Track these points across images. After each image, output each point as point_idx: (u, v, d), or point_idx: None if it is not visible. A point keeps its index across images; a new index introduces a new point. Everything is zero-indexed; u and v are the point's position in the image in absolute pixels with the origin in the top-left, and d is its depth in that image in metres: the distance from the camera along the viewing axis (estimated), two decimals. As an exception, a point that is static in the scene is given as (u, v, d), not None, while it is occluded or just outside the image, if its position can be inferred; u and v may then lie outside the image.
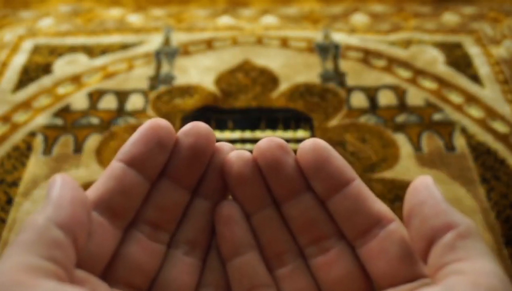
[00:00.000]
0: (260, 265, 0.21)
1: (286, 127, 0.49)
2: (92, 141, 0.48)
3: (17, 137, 0.48)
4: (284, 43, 0.59)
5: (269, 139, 0.21)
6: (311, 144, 0.20)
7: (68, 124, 0.50)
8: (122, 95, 0.53)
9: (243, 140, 0.48)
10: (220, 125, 0.49)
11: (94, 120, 0.50)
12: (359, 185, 0.20)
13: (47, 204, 0.17)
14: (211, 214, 0.22)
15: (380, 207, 0.20)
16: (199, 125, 0.21)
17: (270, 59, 0.57)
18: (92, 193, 0.20)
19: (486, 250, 0.17)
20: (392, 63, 0.56)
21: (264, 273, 0.21)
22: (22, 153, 0.47)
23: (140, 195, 0.20)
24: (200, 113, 0.51)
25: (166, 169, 0.21)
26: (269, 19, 0.64)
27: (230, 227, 0.21)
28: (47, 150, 0.47)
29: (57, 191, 0.17)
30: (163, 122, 0.20)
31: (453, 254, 0.17)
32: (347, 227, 0.20)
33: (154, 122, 0.20)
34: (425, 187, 0.19)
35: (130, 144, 0.20)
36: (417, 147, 0.47)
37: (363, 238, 0.20)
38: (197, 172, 0.21)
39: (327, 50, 0.58)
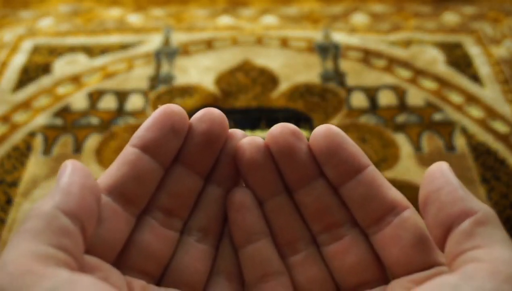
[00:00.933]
0: (272, 253, 0.21)
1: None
2: (92, 141, 0.48)
3: (17, 137, 0.48)
4: (284, 43, 0.59)
5: (282, 125, 0.21)
6: (324, 130, 0.20)
7: (68, 124, 0.50)
8: (122, 95, 0.53)
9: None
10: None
11: (94, 120, 0.50)
12: (373, 171, 0.20)
13: (56, 191, 0.17)
14: (224, 201, 0.21)
15: (395, 194, 0.20)
16: (212, 111, 0.21)
17: (270, 59, 0.57)
18: (105, 179, 0.19)
19: (505, 237, 0.16)
20: (392, 63, 0.56)
21: (277, 260, 0.21)
22: (22, 153, 0.47)
23: (154, 181, 0.20)
24: (200, 113, 0.51)
25: (180, 154, 0.20)
26: (269, 19, 0.64)
27: (243, 214, 0.21)
28: (47, 150, 0.47)
29: (66, 178, 0.17)
30: (176, 107, 0.20)
31: (471, 242, 0.16)
32: (360, 214, 0.20)
33: (168, 107, 0.20)
34: (441, 173, 0.18)
35: (144, 129, 0.20)
36: (417, 147, 0.47)
37: (376, 225, 0.20)
38: (211, 158, 0.21)
39: (327, 50, 0.58)
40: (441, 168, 0.19)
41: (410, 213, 0.19)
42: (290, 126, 0.21)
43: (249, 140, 0.21)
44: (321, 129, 0.20)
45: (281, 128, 0.20)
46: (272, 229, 0.21)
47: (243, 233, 0.21)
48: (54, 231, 0.16)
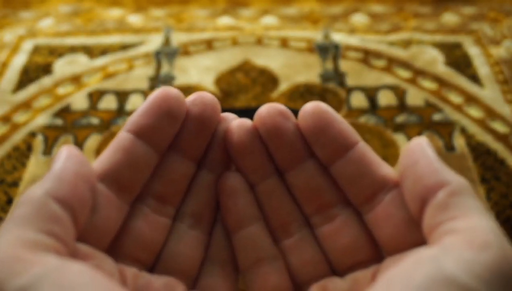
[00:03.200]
0: (265, 237, 0.20)
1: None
2: (92, 141, 0.48)
3: (17, 137, 0.48)
4: (284, 43, 0.60)
5: (269, 105, 0.20)
6: (311, 107, 0.20)
7: (68, 125, 0.50)
8: (122, 96, 0.53)
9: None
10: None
11: (94, 120, 0.50)
12: (362, 147, 0.20)
13: (48, 177, 0.16)
14: (216, 186, 0.21)
15: (386, 170, 0.20)
16: (204, 95, 0.20)
17: (270, 59, 0.57)
18: (99, 165, 0.19)
19: (479, 206, 0.16)
20: (392, 63, 0.56)
21: (270, 245, 0.20)
22: (22, 153, 0.47)
23: (148, 168, 0.19)
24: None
25: (173, 140, 0.20)
26: (269, 19, 0.64)
27: (234, 199, 0.20)
28: (47, 150, 0.47)
29: (60, 164, 0.17)
30: (173, 91, 0.19)
31: (446, 213, 0.16)
32: (352, 192, 0.20)
33: (164, 91, 0.19)
34: (419, 147, 0.18)
35: (139, 114, 0.19)
36: (417, 147, 0.47)
37: (369, 203, 0.19)
38: (203, 143, 0.20)
39: (327, 50, 0.58)
40: (419, 143, 0.18)
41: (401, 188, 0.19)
42: (278, 106, 0.20)
43: (237, 123, 0.20)
44: (308, 108, 0.20)
45: (268, 108, 0.20)
46: (264, 213, 0.21)
47: (235, 218, 0.20)
48: (44, 217, 0.15)
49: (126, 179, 0.19)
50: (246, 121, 0.20)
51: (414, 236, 0.18)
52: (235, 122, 0.20)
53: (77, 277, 0.14)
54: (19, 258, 0.14)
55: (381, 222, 0.19)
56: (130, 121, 0.19)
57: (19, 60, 0.57)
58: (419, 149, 0.18)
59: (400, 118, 0.50)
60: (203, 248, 0.21)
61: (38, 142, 0.48)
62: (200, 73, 0.55)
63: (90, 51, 0.59)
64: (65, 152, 0.17)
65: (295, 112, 0.21)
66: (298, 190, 0.21)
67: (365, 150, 0.20)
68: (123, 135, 0.19)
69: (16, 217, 0.15)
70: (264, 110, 0.20)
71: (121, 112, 0.51)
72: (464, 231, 0.15)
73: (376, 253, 0.20)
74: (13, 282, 0.13)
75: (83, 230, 0.17)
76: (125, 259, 0.19)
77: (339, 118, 0.20)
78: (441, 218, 0.16)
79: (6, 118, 0.50)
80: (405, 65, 0.56)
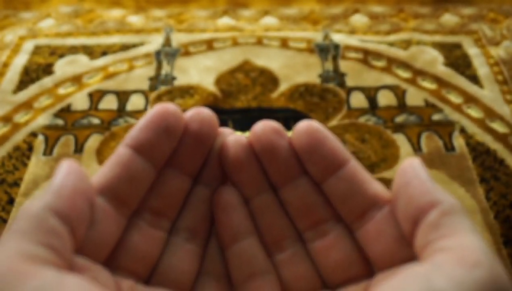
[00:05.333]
0: (259, 251, 0.21)
1: (286, 127, 0.49)
2: (93, 141, 0.48)
3: (18, 137, 0.48)
4: (284, 43, 0.60)
5: (264, 123, 0.20)
6: (304, 126, 0.20)
7: (68, 125, 0.50)
8: (122, 96, 0.53)
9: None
10: (220, 126, 0.49)
11: (95, 120, 0.50)
12: (354, 166, 0.20)
13: (47, 191, 0.17)
14: (211, 201, 0.21)
15: (376, 187, 0.20)
16: (202, 111, 0.20)
17: (270, 59, 0.57)
18: (98, 179, 0.19)
19: (470, 225, 0.16)
20: (392, 63, 0.57)
21: (264, 259, 0.21)
22: (23, 153, 0.47)
23: (146, 183, 0.20)
24: (201, 114, 0.51)
25: (170, 155, 0.20)
26: (269, 20, 0.64)
27: (228, 213, 0.21)
28: (48, 150, 0.47)
29: (59, 179, 0.17)
30: (171, 107, 0.20)
31: (437, 232, 0.16)
32: (343, 210, 0.20)
33: (163, 107, 0.19)
34: (411, 167, 0.19)
35: (138, 129, 0.19)
36: (416, 147, 0.47)
37: (360, 220, 0.20)
38: (200, 158, 0.21)
39: (327, 50, 0.58)
40: (412, 163, 0.19)
41: (392, 206, 0.19)
42: (272, 124, 0.20)
43: (233, 139, 0.21)
44: (302, 126, 0.20)
45: (263, 126, 0.20)
46: (258, 228, 0.21)
47: (229, 232, 0.21)
48: (43, 231, 0.15)
49: (124, 193, 0.19)
50: (241, 138, 0.21)
51: (405, 253, 0.19)
52: (230, 138, 0.21)
53: (74, 290, 0.14)
54: (17, 270, 0.14)
55: (372, 239, 0.19)
56: (129, 137, 0.19)
57: (20, 61, 0.57)
58: (411, 169, 0.19)
59: (400, 119, 0.50)
60: (198, 262, 0.21)
61: (39, 142, 0.48)
62: (200, 73, 0.55)
63: (91, 52, 0.59)
64: (65, 167, 0.18)
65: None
66: (292, 206, 0.21)
67: (357, 168, 0.20)
68: (122, 151, 0.19)
69: (15, 230, 0.15)
70: (259, 127, 0.20)
71: (121, 112, 0.51)
72: (455, 249, 0.16)
73: (367, 269, 0.20)
74: None
75: (81, 243, 0.18)
76: (122, 272, 0.19)
77: (331, 137, 0.20)
78: (432, 237, 0.16)
79: (7, 119, 0.50)
80: (405, 65, 0.56)
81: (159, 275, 0.20)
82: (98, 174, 0.19)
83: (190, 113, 0.20)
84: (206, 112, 0.21)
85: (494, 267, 0.15)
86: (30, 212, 0.16)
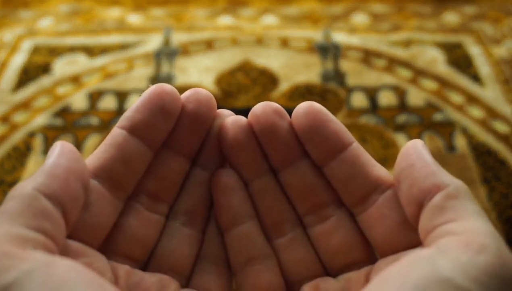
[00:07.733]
0: (258, 235, 0.20)
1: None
2: (92, 141, 0.48)
3: (17, 137, 0.48)
4: (284, 43, 0.59)
5: (264, 104, 0.20)
6: (306, 107, 0.19)
7: (68, 125, 0.50)
8: (121, 96, 0.53)
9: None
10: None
11: (94, 120, 0.50)
12: (356, 148, 0.19)
13: (39, 172, 0.16)
14: (210, 184, 0.21)
15: (379, 171, 0.19)
16: (199, 91, 0.20)
17: (270, 59, 0.57)
18: (92, 161, 0.18)
19: (476, 209, 0.16)
20: (393, 63, 0.56)
21: (263, 243, 0.20)
22: (22, 153, 0.47)
23: (142, 165, 0.19)
24: (200, 114, 0.51)
25: (167, 136, 0.20)
26: (269, 19, 0.64)
27: (228, 196, 0.20)
28: (47, 150, 0.47)
29: (52, 160, 0.16)
30: (168, 87, 0.19)
31: (443, 216, 0.16)
32: (345, 193, 0.20)
33: (159, 87, 0.19)
34: (415, 150, 0.18)
35: (133, 110, 0.19)
36: (417, 147, 0.47)
37: (362, 204, 0.19)
38: (198, 140, 0.20)
39: (327, 50, 0.58)
40: (415, 145, 0.18)
41: (395, 190, 0.19)
42: (273, 104, 0.20)
43: (232, 120, 0.20)
44: (302, 107, 0.19)
45: (263, 107, 0.20)
46: (258, 211, 0.21)
47: (229, 216, 0.20)
48: (34, 213, 0.15)
49: (119, 175, 0.19)
50: (240, 118, 0.20)
51: (408, 238, 0.18)
52: (229, 119, 0.20)
53: (65, 274, 0.14)
54: (7, 253, 0.14)
55: (375, 223, 0.19)
56: (124, 117, 0.19)
57: (19, 60, 0.57)
58: (415, 151, 0.18)
59: (401, 119, 0.50)
60: (197, 246, 0.21)
61: (38, 142, 0.48)
62: (200, 73, 0.55)
63: (90, 51, 0.58)
64: (58, 148, 0.17)
65: (290, 111, 0.21)
66: (292, 189, 0.20)
67: (359, 150, 0.20)
68: (116, 132, 0.19)
69: (5, 212, 0.15)
70: (259, 108, 0.20)
71: (121, 112, 0.51)
72: (461, 233, 0.15)
73: (369, 254, 0.20)
74: (1, 278, 0.13)
75: (75, 227, 0.17)
76: (118, 257, 0.19)
77: (333, 119, 0.19)
78: (438, 221, 0.16)
79: (5, 118, 0.50)
80: (406, 65, 0.56)
81: (157, 260, 0.20)
82: (92, 155, 0.19)
83: (187, 93, 0.20)
84: (204, 92, 0.20)
85: (501, 251, 0.14)
86: (21, 193, 0.15)
